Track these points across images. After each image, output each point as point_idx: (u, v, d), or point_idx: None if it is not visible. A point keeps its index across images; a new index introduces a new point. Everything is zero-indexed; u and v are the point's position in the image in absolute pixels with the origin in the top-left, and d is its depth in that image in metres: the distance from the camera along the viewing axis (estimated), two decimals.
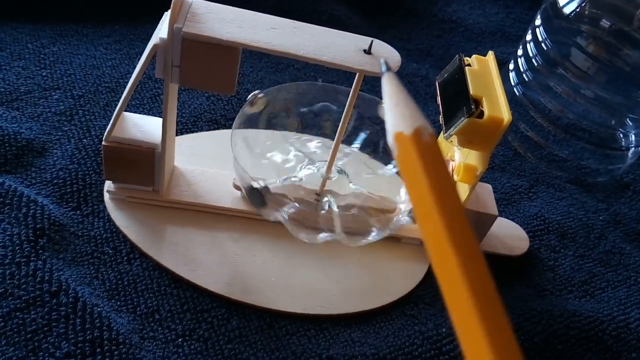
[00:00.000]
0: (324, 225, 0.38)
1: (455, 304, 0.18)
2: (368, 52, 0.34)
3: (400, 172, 0.21)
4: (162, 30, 0.33)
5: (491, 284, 0.18)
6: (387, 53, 0.34)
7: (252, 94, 0.41)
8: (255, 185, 0.37)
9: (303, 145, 0.44)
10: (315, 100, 0.44)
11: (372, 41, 0.34)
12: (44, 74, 0.48)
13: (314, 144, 0.45)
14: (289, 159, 0.43)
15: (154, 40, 0.33)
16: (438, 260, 0.19)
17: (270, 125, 0.43)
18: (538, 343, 0.38)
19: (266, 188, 0.37)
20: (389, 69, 0.23)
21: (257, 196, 0.38)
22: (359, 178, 0.43)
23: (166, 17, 0.33)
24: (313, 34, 0.34)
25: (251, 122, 0.42)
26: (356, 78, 0.36)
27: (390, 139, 0.21)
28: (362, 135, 0.45)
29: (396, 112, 0.21)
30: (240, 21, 0.33)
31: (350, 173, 0.43)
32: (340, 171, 0.42)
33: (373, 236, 0.39)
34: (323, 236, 0.38)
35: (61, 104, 0.46)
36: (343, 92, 0.43)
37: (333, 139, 0.39)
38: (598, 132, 0.53)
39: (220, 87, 0.35)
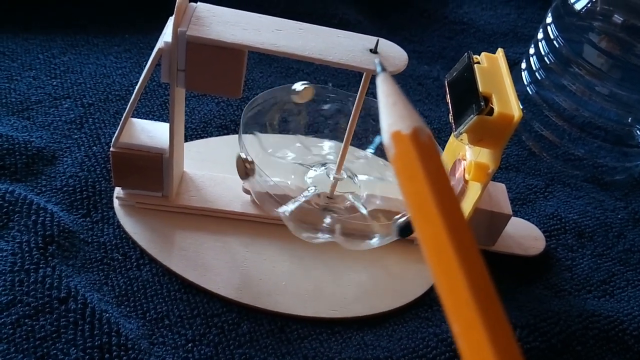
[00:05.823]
0: (324, 226, 0.37)
1: (456, 309, 0.17)
2: (374, 51, 0.33)
3: (395, 173, 0.20)
4: (166, 34, 0.33)
5: (492, 288, 0.18)
6: (393, 52, 0.34)
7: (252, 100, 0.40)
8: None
9: (310, 148, 0.44)
10: (324, 102, 0.44)
11: (377, 40, 0.34)
12: (55, 83, 0.48)
13: (324, 146, 0.44)
14: (297, 161, 0.42)
15: (159, 44, 0.33)
16: (437, 263, 0.18)
17: (276, 129, 0.43)
18: (556, 345, 0.37)
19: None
20: (383, 69, 0.23)
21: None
22: (367, 182, 0.42)
23: (171, 21, 0.33)
24: (318, 34, 0.34)
25: (258, 125, 0.41)
26: (363, 78, 0.35)
27: (386, 138, 0.20)
28: (378, 139, 0.44)
29: (393, 111, 0.21)
30: (245, 23, 0.33)
31: (360, 177, 0.42)
32: (349, 173, 0.42)
33: (375, 241, 0.38)
34: (322, 237, 0.37)
35: (71, 112, 0.46)
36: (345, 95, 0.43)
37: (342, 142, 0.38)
38: (614, 129, 0.52)
39: (227, 90, 0.34)
